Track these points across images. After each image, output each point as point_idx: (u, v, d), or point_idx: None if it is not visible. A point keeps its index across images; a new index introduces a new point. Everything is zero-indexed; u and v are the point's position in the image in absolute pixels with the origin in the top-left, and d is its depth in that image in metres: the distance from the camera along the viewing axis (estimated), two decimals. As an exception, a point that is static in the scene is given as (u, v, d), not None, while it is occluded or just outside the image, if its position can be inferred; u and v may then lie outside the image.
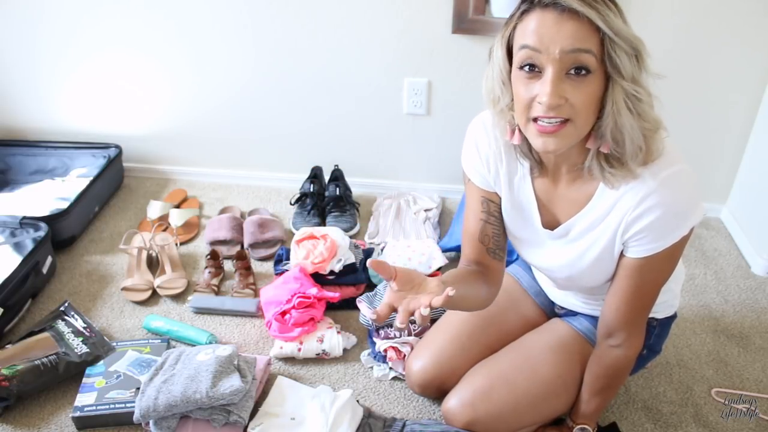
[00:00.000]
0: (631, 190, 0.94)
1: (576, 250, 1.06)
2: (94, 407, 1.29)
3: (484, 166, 1.10)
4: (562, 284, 1.21)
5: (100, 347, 1.44)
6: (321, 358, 1.47)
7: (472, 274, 1.11)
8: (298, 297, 1.49)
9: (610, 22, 0.83)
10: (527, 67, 0.87)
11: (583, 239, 1.04)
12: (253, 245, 1.82)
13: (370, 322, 1.46)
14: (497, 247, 1.14)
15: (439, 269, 1.67)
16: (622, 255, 1.02)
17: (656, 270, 1.01)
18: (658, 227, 0.94)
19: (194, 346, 1.46)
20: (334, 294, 1.56)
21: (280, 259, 1.73)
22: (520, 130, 0.95)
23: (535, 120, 0.89)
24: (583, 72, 0.84)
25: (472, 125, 1.11)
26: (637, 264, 1.00)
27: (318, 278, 1.62)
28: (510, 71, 0.92)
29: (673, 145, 0.95)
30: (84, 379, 1.36)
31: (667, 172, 0.92)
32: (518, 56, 0.88)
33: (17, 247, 1.66)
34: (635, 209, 0.94)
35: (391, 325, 1.45)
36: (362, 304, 1.51)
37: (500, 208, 1.13)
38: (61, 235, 1.78)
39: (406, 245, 1.74)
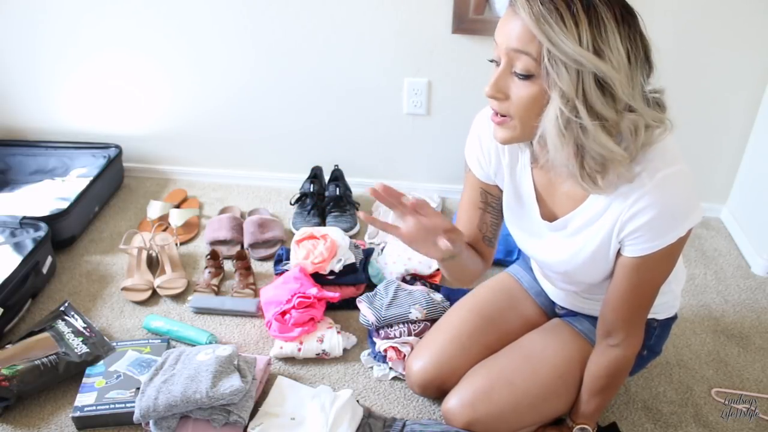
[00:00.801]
0: (627, 189, 0.94)
1: (574, 245, 1.06)
2: (94, 407, 1.29)
3: (485, 159, 1.12)
4: (560, 280, 1.22)
5: (100, 347, 1.44)
6: (321, 358, 1.47)
7: (471, 249, 1.18)
8: (298, 297, 1.49)
9: (548, 31, 0.81)
10: (493, 61, 0.91)
11: (580, 234, 1.04)
12: (253, 245, 1.82)
13: (370, 323, 1.46)
14: (493, 236, 1.20)
15: (438, 269, 1.66)
16: (619, 254, 1.02)
17: (654, 269, 1.01)
18: (653, 227, 0.94)
19: (194, 346, 1.46)
20: (334, 294, 1.56)
21: (280, 259, 1.73)
22: None
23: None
24: (524, 74, 0.86)
25: (476, 118, 1.13)
26: (634, 263, 1.00)
27: (318, 278, 1.62)
28: None
29: (673, 145, 0.95)
30: (84, 379, 1.36)
31: (664, 172, 0.92)
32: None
33: (17, 247, 1.66)
34: (630, 208, 0.94)
35: (391, 325, 1.45)
36: (362, 304, 1.53)
37: (498, 200, 1.16)
38: (61, 235, 1.78)
39: (406, 245, 1.73)
